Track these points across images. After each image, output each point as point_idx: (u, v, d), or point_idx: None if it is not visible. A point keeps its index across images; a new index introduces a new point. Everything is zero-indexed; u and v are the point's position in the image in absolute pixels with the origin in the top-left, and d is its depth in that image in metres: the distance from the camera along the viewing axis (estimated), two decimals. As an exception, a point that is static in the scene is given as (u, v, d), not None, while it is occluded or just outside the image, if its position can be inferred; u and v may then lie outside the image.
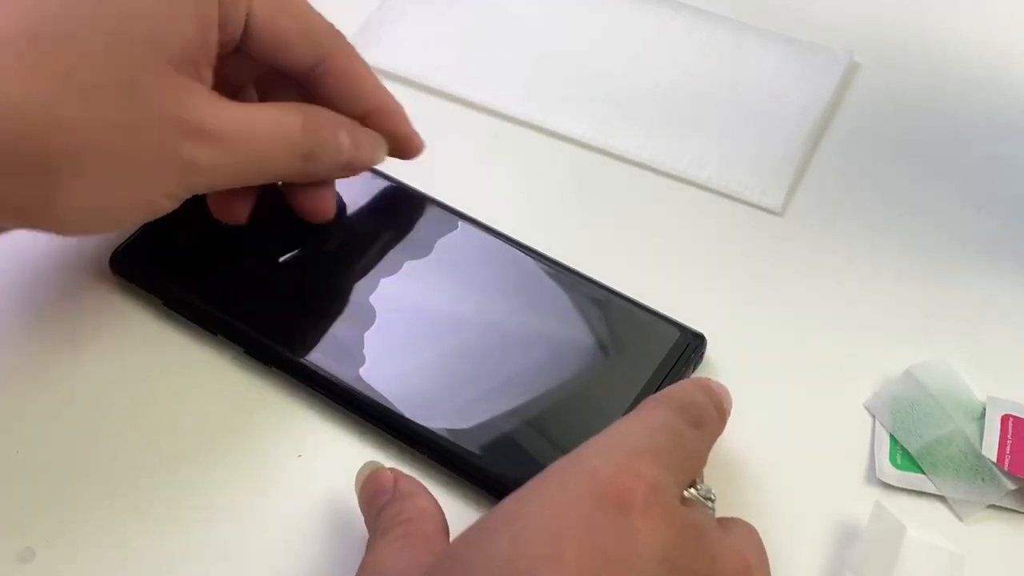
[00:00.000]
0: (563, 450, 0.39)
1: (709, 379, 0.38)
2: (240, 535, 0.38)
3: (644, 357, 0.42)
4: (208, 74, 0.39)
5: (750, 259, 0.47)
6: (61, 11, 0.36)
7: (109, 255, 0.45)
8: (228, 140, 0.39)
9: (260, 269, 0.44)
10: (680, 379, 0.41)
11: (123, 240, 0.45)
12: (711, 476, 0.40)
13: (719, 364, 0.43)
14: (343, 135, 0.42)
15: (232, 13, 0.40)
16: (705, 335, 0.42)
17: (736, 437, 0.41)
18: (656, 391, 0.41)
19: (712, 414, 0.37)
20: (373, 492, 0.37)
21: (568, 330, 0.43)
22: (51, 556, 0.39)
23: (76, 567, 0.39)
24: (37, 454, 0.41)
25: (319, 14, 0.42)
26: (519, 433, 0.40)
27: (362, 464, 0.38)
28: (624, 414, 0.40)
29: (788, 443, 0.41)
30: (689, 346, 0.42)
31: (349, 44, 0.43)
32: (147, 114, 0.37)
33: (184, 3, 0.38)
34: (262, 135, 0.40)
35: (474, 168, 0.49)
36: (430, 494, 0.37)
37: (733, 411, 0.42)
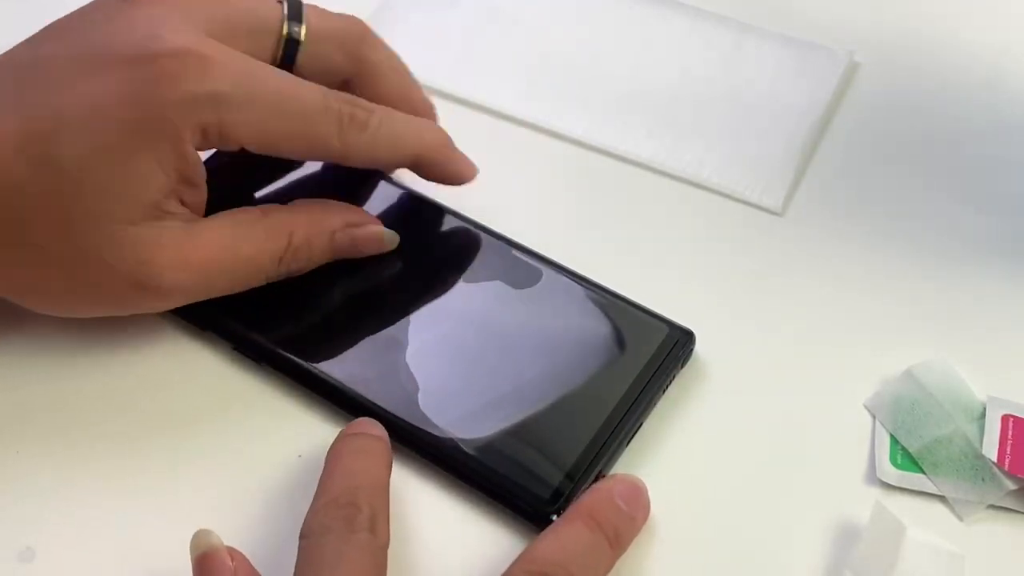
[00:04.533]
0: (547, 446, 0.40)
1: (631, 483, 0.39)
2: (240, 535, 0.38)
3: (633, 354, 0.42)
4: (188, 193, 0.40)
5: (750, 259, 0.47)
6: (10, 194, 0.38)
7: None
8: (187, 284, 0.40)
9: None
10: (669, 376, 0.42)
11: None
12: (711, 476, 0.41)
13: (714, 361, 0.43)
14: (318, 238, 0.42)
15: (215, 143, 0.40)
16: (694, 332, 0.42)
17: (736, 437, 0.41)
18: (644, 388, 0.41)
19: (628, 531, 0.38)
20: None
21: (557, 327, 0.43)
22: (51, 556, 0.39)
23: (76, 567, 0.39)
24: (37, 454, 0.41)
25: (309, 89, 0.41)
26: (505, 430, 0.40)
27: (199, 531, 0.36)
28: (611, 412, 0.40)
29: (788, 443, 0.41)
30: (678, 343, 0.42)
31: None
32: (100, 276, 0.39)
33: (139, 164, 0.38)
34: (227, 264, 0.41)
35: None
36: None
37: (734, 411, 0.42)
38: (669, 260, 0.47)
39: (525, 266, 0.44)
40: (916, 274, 0.46)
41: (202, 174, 0.40)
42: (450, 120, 0.49)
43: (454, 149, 0.44)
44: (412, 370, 0.42)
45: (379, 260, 0.44)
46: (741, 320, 0.44)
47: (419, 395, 0.41)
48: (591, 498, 0.38)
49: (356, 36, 0.43)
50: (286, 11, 0.42)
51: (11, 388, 0.42)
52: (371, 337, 0.43)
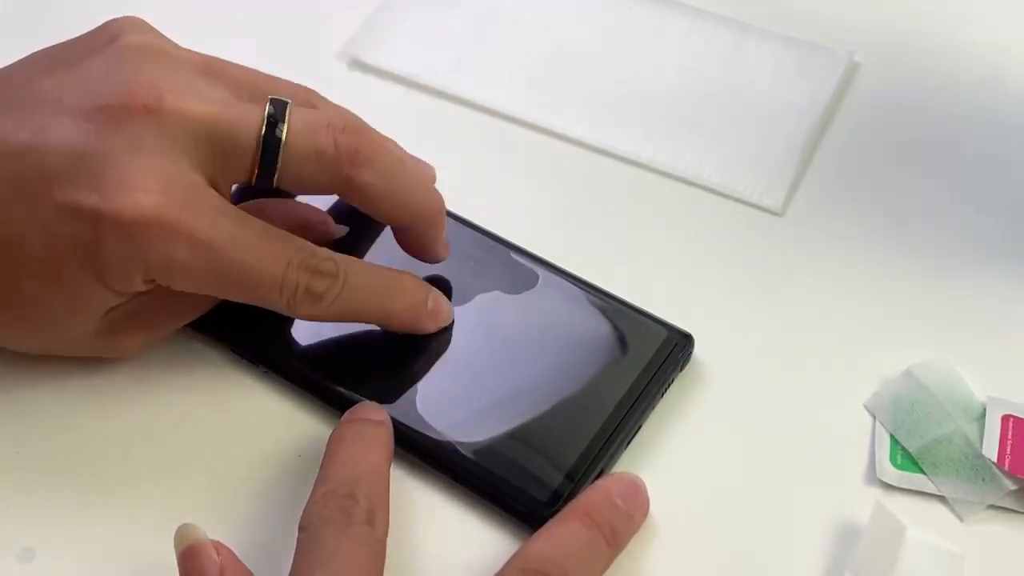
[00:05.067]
0: (546, 448, 0.40)
1: (629, 481, 0.39)
2: (240, 535, 0.38)
3: (631, 357, 0.42)
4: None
5: (750, 259, 0.47)
6: None
7: None
8: (142, 346, 0.42)
9: None
10: (668, 379, 0.42)
11: None
12: (711, 477, 0.40)
13: (713, 362, 0.43)
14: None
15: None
16: (693, 336, 0.42)
17: (736, 437, 0.41)
18: (643, 391, 0.41)
19: (626, 530, 0.38)
20: None
21: (555, 330, 0.43)
22: (51, 556, 0.39)
23: (76, 567, 0.39)
24: (37, 454, 0.41)
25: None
26: (504, 432, 0.40)
27: (182, 525, 0.36)
28: (609, 414, 0.40)
29: (788, 443, 0.41)
30: (676, 346, 0.42)
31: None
32: (54, 342, 0.41)
33: (85, 298, 0.38)
34: (178, 323, 0.42)
35: (473, 168, 0.49)
36: None
37: (734, 411, 0.42)
38: (669, 260, 0.47)
39: (523, 269, 0.44)
40: (916, 274, 0.46)
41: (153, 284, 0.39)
42: (450, 120, 0.49)
43: (424, 308, 0.42)
44: (410, 373, 0.42)
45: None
46: (741, 320, 0.44)
47: (417, 398, 0.41)
48: (588, 496, 0.38)
49: (346, 155, 0.39)
50: (263, 130, 0.38)
51: (11, 388, 0.42)
52: (369, 339, 0.43)
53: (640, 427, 0.41)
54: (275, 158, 0.38)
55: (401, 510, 0.40)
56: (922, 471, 0.40)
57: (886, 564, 0.37)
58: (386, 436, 0.39)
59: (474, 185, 0.47)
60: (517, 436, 0.40)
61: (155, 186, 0.37)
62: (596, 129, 0.51)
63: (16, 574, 0.38)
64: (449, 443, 0.40)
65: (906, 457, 0.40)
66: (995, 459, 0.40)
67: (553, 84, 0.52)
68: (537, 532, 0.37)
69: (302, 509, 0.37)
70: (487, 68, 0.53)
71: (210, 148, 0.38)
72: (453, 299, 0.43)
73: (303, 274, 0.39)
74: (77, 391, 0.42)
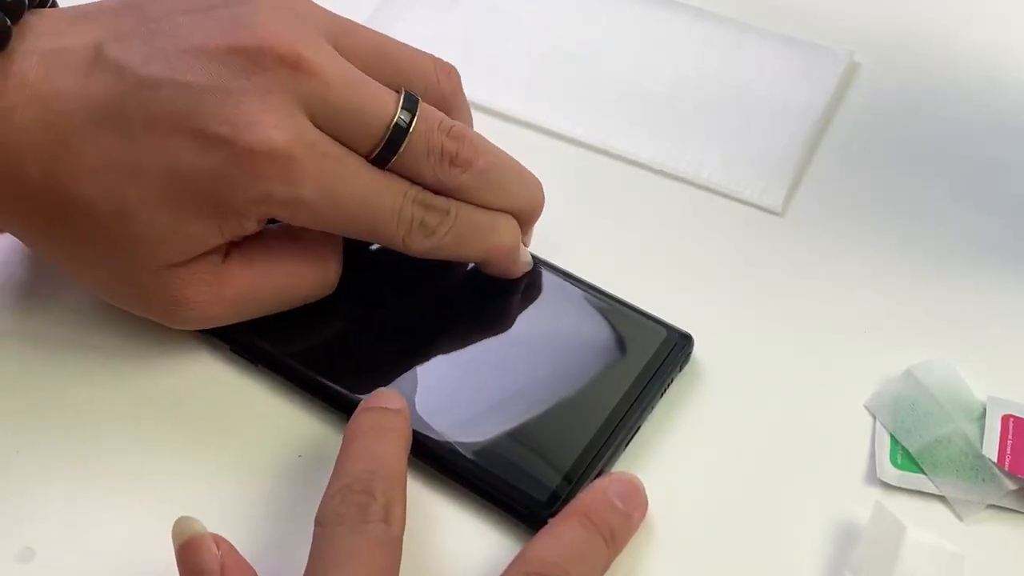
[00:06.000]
0: (545, 449, 0.40)
1: (627, 481, 0.39)
2: (240, 535, 0.38)
3: (630, 358, 0.42)
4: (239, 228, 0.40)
5: (750, 259, 0.47)
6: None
7: None
8: (216, 316, 0.41)
9: None
10: (667, 379, 0.42)
11: None
12: (710, 477, 0.40)
13: (713, 362, 0.43)
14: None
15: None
16: (693, 336, 0.42)
17: (736, 438, 0.41)
18: (642, 391, 0.41)
19: (625, 530, 0.38)
20: (196, 573, 0.35)
21: (554, 330, 0.43)
22: (51, 556, 0.39)
23: (76, 567, 0.39)
24: (37, 454, 0.41)
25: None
26: (503, 433, 0.40)
27: (180, 518, 0.36)
28: (608, 415, 0.40)
29: (788, 443, 0.41)
30: (676, 346, 0.42)
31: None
32: (134, 293, 0.41)
33: (199, 229, 0.39)
34: (260, 296, 0.42)
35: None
36: None
37: (734, 411, 0.42)
38: (668, 260, 0.47)
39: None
40: (916, 274, 0.46)
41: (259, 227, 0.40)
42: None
43: (515, 254, 0.43)
44: (409, 373, 0.42)
45: (376, 263, 0.44)
46: (741, 320, 0.44)
47: (416, 398, 0.41)
48: (587, 497, 0.38)
49: (448, 157, 0.41)
50: (398, 113, 0.40)
51: (11, 389, 0.42)
52: (368, 340, 0.43)
53: (639, 427, 0.41)
54: (397, 148, 0.40)
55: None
56: (922, 471, 0.40)
57: (886, 564, 0.37)
58: (403, 425, 0.38)
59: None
60: (516, 436, 0.40)
61: (285, 126, 0.38)
62: (596, 129, 0.51)
63: (16, 574, 0.38)
64: (448, 443, 0.40)
65: (906, 457, 0.40)
66: (995, 459, 0.40)
67: (553, 84, 0.52)
68: (537, 534, 0.37)
69: (303, 509, 0.37)
70: (487, 68, 0.53)
71: (335, 118, 0.39)
72: (453, 301, 0.44)
73: (417, 208, 0.40)
74: (76, 393, 0.42)
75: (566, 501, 0.38)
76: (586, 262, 0.45)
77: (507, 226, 0.43)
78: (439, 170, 0.40)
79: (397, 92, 0.40)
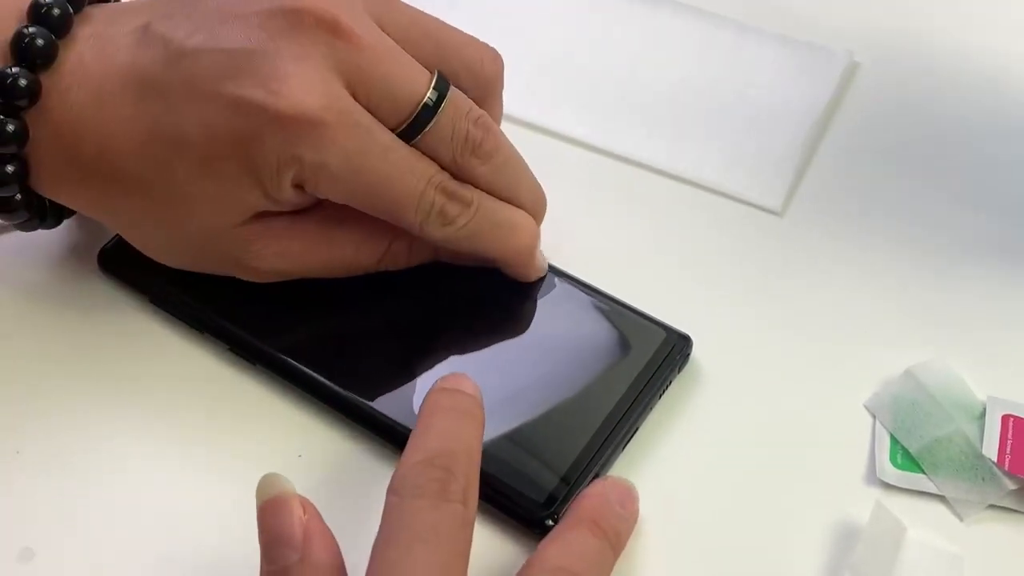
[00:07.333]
0: (543, 450, 0.39)
1: (624, 485, 0.39)
2: (240, 535, 0.38)
3: (629, 359, 0.42)
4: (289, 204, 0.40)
5: (750, 259, 0.47)
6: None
7: (98, 252, 0.45)
8: (283, 270, 0.42)
9: None
10: (665, 380, 0.42)
11: (112, 237, 0.45)
12: (710, 478, 0.40)
13: (713, 363, 0.43)
14: (420, 247, 0.43)
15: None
16: (691, 337, 0.42)
17: (735, 438, 0.41)
18: (640, 392, 0.41)
19: (626, 534, 0.38)
20: (276, 535, 0.34)
21: (553, 332, 0.43)
22: (51, 556, 0.39)
23: (76, 567, 0.39)
24: (37, 454, 0.41)
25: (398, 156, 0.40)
26: (501, 434, 0.40)
27: (267, 474, 0.35)
28: (606, 416, 0.40)
29: (788, 444, 0.41)
30: (674, 348, 0.42)
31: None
32: (204, 246, 0.42)
33: (237, 190, 0.39)
34: (324, 257, 0.42)
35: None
36: (341, 559, 0.34)
37: (734, 411, 0.42)
38: (668, 260, 0.47)
39: None
40: (916, 274, 0.46)
41: (300, 198, 0.40)
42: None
43: (532, 256, 0.43)
44: (408, 373, 0.42)
45: None
46: (740, 321, 0.44)
47: (415, 399, 0.41)
48: (591, 503, 0.38)
49: (472, 144, 0.41)
50: (430, 92, 0.40)
51: (11, 389, 0.42)
52: (367, 340, 0.43)
53: (637, 429, 0.41)
54: (423, 128, 0.40)
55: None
56: (922, 471, 0.40)
57: (886, 564, 0.37)
58: (480, 413, 0.37)
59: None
60: (513, 438, 0.40)
61: (319, 91, 0.38)
62: (596, 129, 0.51)
63: (16, 574, 0.38)
64: None
65: (906, 457, 0.40)
66: (995, 459, 0.40)
67: (553, 84, 0.52)
68: (546, 540, 0.37)
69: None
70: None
71: (368, 88, 0.39)
72: (451, 301, 0.43)
73: (439, 196, 0.40)
74: (76, 392, 0.42)
75: (564, 503, 0.38)
76: (585, 262, 0.45)
77: (527, 225, 0.43)
78: (459, 156, 0.41)
79: (431, 73, 0.40)
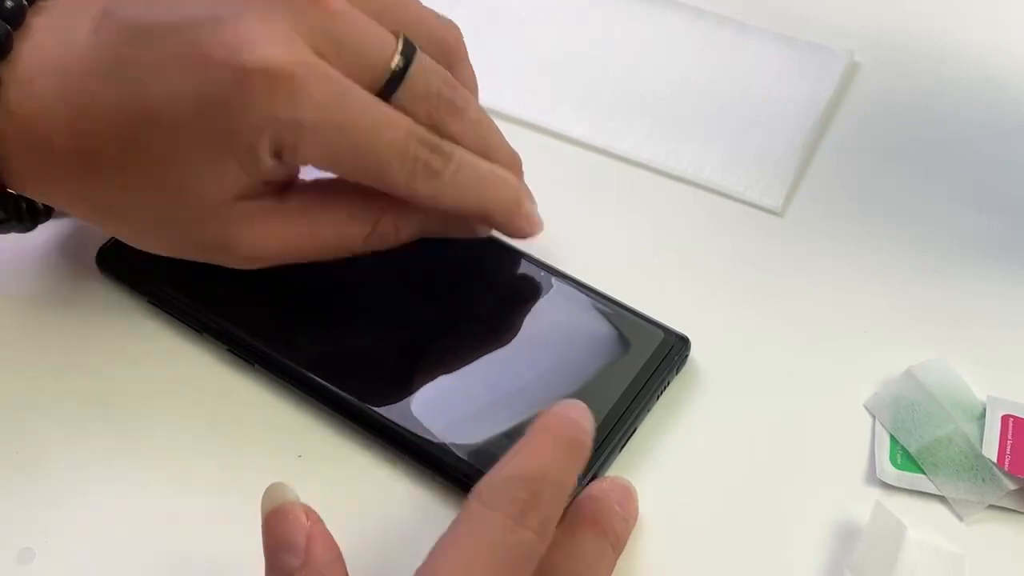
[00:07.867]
0: None
1: (622, 486, 0.39)
2: (240, 536, 0.38)
3: (627, 360, 0.42)
4: (272, 180, 0.40)
5: (750, 259, 0.47)
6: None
7: (96, 252, 0.45)
8: (269, 254, 0.41)
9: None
10: (664, 381, 0.42)
11: (110, 237, 0.45)
12: (709, 478, 0.40)
13: (712, 363, 0.43)
14: (406, 226, 0.42)
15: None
16: (690, 338, 0.42)
17: (735, 438, 0.41)
18: (638, 393, 0.41)
19: (626, 535, 0.38)
20: (279, 543, 0.34)
21: (551, 332, 0.43)
22: (51, 556, 0.39)
23: (76, 567, 0.39)
24: (37, 454, 0.41)
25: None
26: (499, 434, 0.40)
27: (273, 484, 0.35)
28: (604, 417, 0.40)
29: (787, 444, 0.41)
30: (673, 349, 0.42)
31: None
32: (188, 232, 0.40)
33: (215, 167, 0.38)
34: (308, 239, 0.41)
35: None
36: (342, 562, 0.34)
37: (733, 412, 0.42)
38: (667, 260, 0.47)
39: (519, 270, 0.44)
40: (916, 274, 0.46)
41: (282, 169, 0.40)
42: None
43: (521, 207, 0.42)
44: (406, 374, 0.42)
45: (373, 264, 0.44)
46: (740, 320, 0.44)
47: (412, 399, 0.41)
48: (592, 505, 0.38)
49: (446, 103, 0.41)
50: (399, 53, 0.39)
51: (11, 388, 0.43)
52: (365, 341, 0.43)
53: (636, 429, 0.41)
54: (396, 86, 0.39)
55: (395, 511, 0.40)
56: (922, 471, 0.40)
57: (886, 564, 0.37)
58: (586, 452, 0.36)
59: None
60: (513, 438, 0.40)
61: (284, 46, 0.37)
62: (596, 129, 0.51)
63: (16, 574, 0.38)
64: (443, 444, 0.40)
65: (906, 457, 0.40)
66: (995, 459, 0.40)
67: (553, 84, 0.52)
68: (552, 543, 0.36)
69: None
70: (487, 68, 0.53)
71: (336, 51, 0.38)
72: (449, 301, 0.43)
73: (422, 148, 0.39)
74: (75, 393, 0.42)
75: None
76: (584, 262, 0.45)
77: (509, 177, 0.42)
78: (435, 111, 0.40)
79: (395, 36, 0.40)
